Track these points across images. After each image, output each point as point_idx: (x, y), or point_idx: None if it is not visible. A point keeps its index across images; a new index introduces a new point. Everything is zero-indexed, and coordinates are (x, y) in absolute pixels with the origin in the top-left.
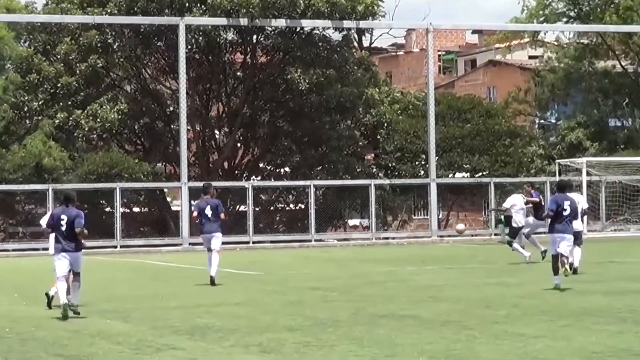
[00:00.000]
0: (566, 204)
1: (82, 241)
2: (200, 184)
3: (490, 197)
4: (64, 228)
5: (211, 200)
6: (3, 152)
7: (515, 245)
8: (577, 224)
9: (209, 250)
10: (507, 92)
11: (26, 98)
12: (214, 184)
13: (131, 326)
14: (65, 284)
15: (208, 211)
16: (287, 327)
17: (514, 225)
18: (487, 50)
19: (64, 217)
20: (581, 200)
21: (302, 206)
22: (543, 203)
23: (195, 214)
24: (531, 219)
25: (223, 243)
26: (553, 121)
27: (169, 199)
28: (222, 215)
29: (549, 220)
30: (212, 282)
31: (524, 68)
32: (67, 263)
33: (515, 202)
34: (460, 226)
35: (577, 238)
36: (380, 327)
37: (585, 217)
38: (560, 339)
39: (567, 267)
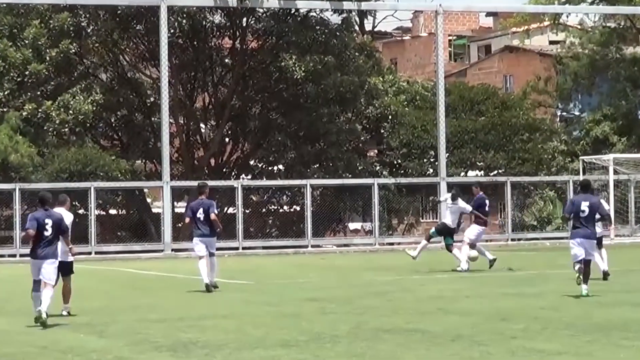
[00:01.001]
0: (584, 205)
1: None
2: (184, 183)
3: (507, 198)
4: (48, 233)
5: (205, 201)
6: None
7: (456, 251)
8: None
9: (200, 258)
10: (525, 82)
11: None
12: (200, 183)
13: (107, 341)
14: (40, 292)
15: (200, 213)
16: (280, 342)
17: (447, 223)
18: (503, 34)
19: (49, 221)
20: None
21: (298, 208)
22: (487, 209)
23: (187, 220)
24: (472, 226)
25: None
26: (576, 113)
27: (149, 200)
28: (212, 216)
29: (570, 223)
30: (210, 289)
31: (544, 54)
32: (36, 271)
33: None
34: (474, 253)
35: (598, 242)
36: (384, 342)
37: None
38: (584, 356)
39: (582, 277)
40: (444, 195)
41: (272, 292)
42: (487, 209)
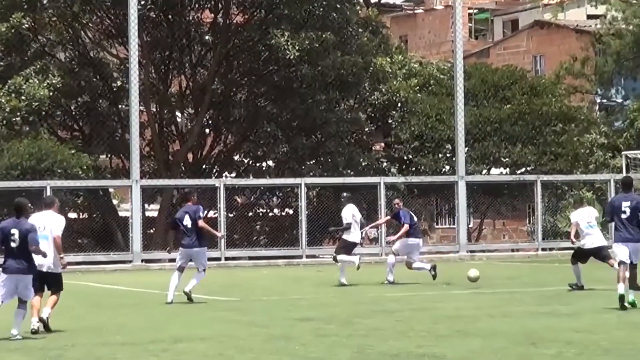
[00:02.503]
0: (624, 205)
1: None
2: (156, 182)
3: (537, 200)
4: (15, 244)
5: (191, 208)
6: None
7: (341, 257)
8: (598, 238)
9: (180, 269)
10: (558, 63)
11: None
12: (175, 182)
13: None
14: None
15: (187, 221)
16: None
17: (347, 239)
18: (532, 7)
19: (15, 232)
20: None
21: (290, 211)
22: (415, 221)
23: (170, 232)
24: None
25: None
26: (619, 101)
27: (115, 202)
28: (200, 222)
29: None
30: (189, 298)
31: (580, 31)
32: (12, 288)
33: (355, 213)
34: (474, 272)
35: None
36: None
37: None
38: None
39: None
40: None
41: (260, 311)
42: (405, 221)
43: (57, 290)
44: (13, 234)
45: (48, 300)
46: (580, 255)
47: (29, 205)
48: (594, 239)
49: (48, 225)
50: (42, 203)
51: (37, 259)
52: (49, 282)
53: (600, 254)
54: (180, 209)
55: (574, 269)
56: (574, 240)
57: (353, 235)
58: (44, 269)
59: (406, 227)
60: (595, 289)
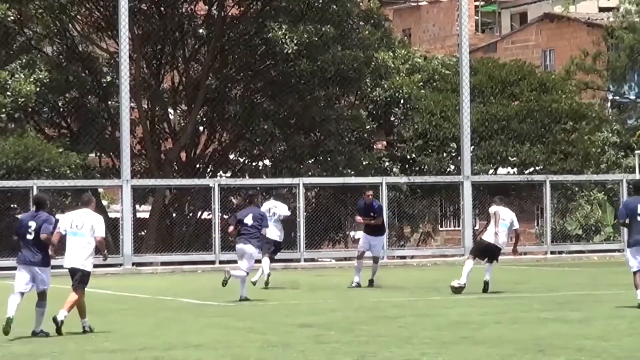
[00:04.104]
0: None
1: (51, 254)
2: (148, 182)
3: (546, 202)
4: (31, 236)
5: (256, 210)
6: None
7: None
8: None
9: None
10: (569, 58)
11: None
12: (167, 181)
13: None
14: (19, 299)
15: (249, 220)
16: None
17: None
18: None
19: (32, 224)
20: (512, 216)
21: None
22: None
23: (231, 229)
24: (360, 233)
25: (183, 263)
26: (632, 97)
27: (105, 203)
28: (263, 231)
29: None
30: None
31: (592, 25)
32: (28, 278)
33: (272, 211)
34: (457, 282)
35: (494, 256)
36: None
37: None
38: None
39: None
40: None
41: (256, 316)
42: (372, 214)
43: (80, 286)
44: (30, 226)
45: (77, 307)
46: (479, 250)
47: (47, 200)
48: (498, 235)
49: (87, 223)
50: (79, 201)
51: (68, 256)
52: (77, 277)
53: (493, 253)
54: (243, 210)
55: (468, 264)
56: (498, 232)
57: (275, 233)
58: (76, 265)
59: (379, 220)
60: (605, 293)
